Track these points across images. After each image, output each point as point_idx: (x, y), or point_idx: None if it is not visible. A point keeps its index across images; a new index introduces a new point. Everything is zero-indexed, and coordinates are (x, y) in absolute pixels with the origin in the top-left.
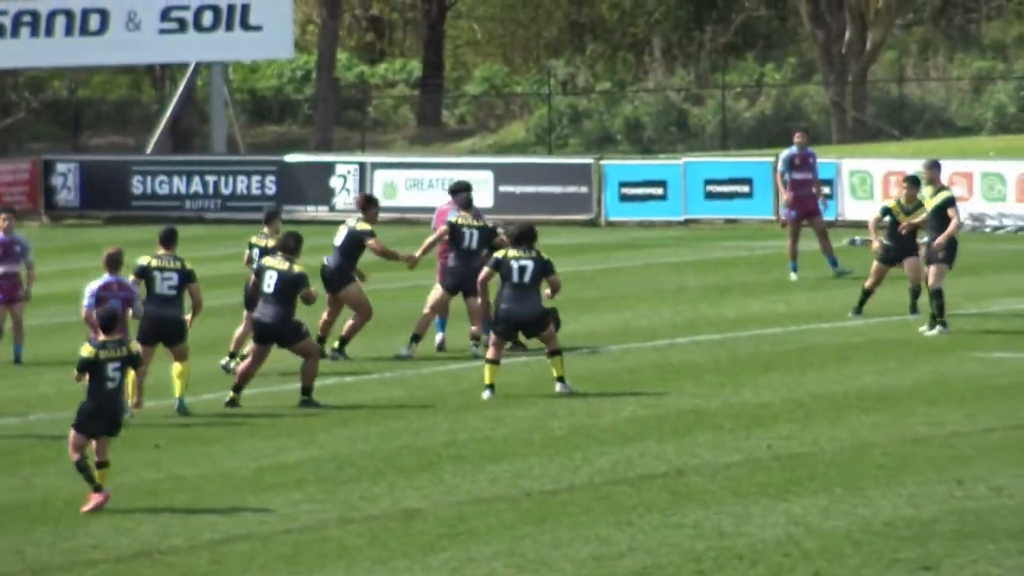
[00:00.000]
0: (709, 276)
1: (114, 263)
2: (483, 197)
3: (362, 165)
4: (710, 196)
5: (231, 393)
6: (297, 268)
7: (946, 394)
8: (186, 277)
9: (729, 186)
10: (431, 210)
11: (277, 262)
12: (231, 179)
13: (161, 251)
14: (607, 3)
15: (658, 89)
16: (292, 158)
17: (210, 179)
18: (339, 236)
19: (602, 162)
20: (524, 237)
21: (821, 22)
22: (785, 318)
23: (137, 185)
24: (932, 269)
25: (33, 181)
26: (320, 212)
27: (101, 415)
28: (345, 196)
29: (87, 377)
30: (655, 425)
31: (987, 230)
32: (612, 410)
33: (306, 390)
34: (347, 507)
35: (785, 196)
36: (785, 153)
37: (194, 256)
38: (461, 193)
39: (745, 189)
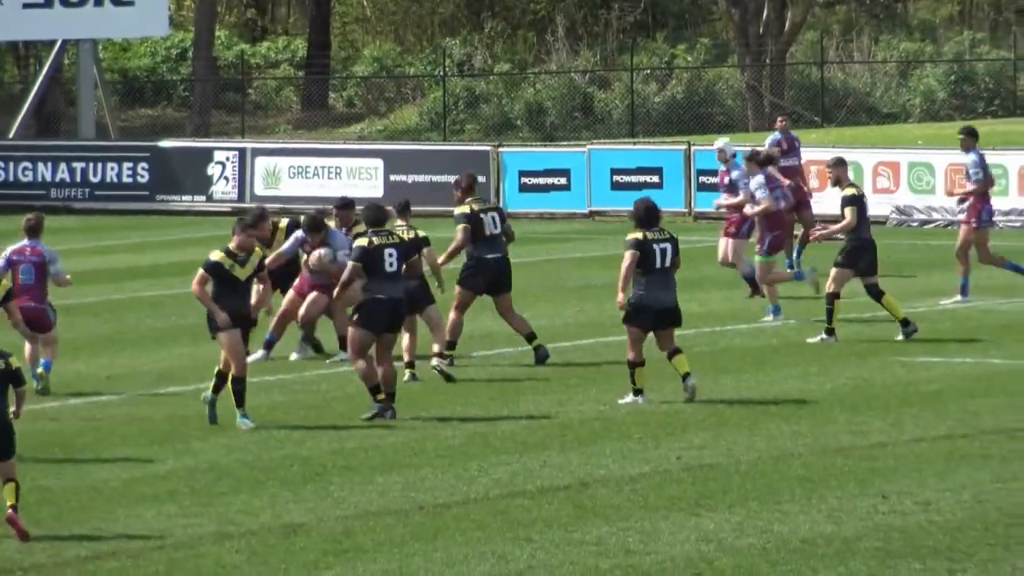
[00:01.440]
0: (616, 272)
1: (32, 230)
2: (373, 186)
3: (242, 151)
4: (617, 187)
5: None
6: (419, 233)
7: (869, 401)
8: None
9: (637, 176)
10: (316, 199)
11: (387, 238)
12: (100, 166)
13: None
14: None
15: (561, 71)
16: (167, 144)
17: (78, 166)
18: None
19: (500, 149)
20: (653, 216)
21: (736, 1)
22: (698, 318)
23: None
24: (831, 272)
25: None
26: (197, 202)
27: None
28: (223, 184)
29: None
30: (557, 434)
31: (914, 224)
32: (510, 417)
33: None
34: (224, 521)
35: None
36: (770, 139)
37: (62, 249)
38: (344, 210)
39: (655, 179)
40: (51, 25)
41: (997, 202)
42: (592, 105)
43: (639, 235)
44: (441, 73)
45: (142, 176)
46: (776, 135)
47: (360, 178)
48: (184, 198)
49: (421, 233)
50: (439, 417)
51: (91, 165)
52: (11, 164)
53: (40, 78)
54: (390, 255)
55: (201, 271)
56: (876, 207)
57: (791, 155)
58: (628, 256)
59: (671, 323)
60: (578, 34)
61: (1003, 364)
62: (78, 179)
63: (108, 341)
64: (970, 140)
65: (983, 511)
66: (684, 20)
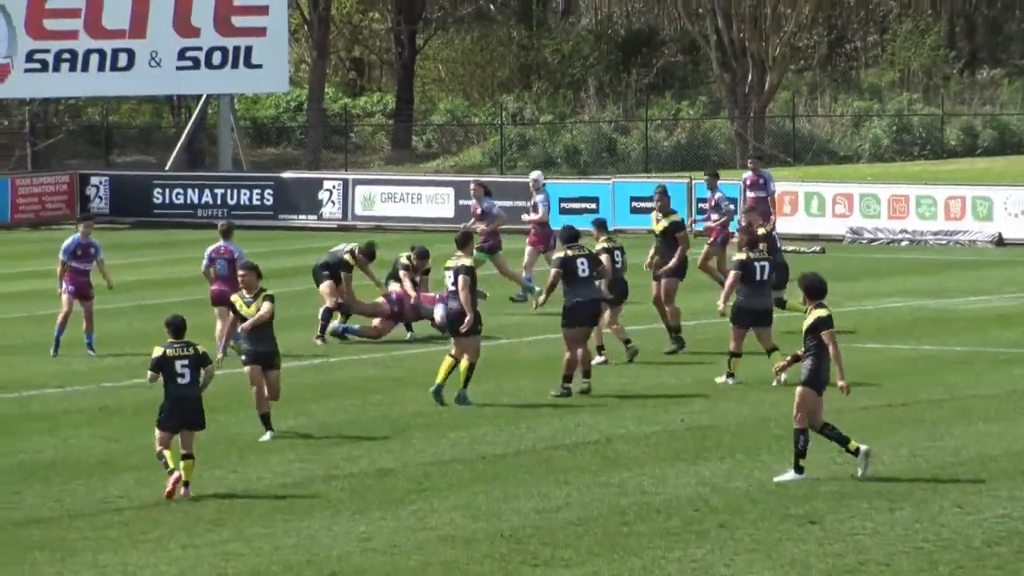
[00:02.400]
0: (635, 278)
1: (225, 233)
2: (446, 209)
3: (345, 181)
4: (635, 211)
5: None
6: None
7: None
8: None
9: (650, 202)
10: (404, 219)
11: (579, 250)
12: (235, 191)
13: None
14: (550, 48)
15: (592, 121)
16: (287, 175)
17: (218, 191)
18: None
19: (545, 181)
20: (757, 238)
21: (728, 67)
22: (701, 313)
23: (158, 196)
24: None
25: (71, 192)
26: (310, 221)
27: (176, 412)
28: (331, 207)
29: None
30: (589, 401)
31: (864, 242)
32: (554, 388)
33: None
34: (331, 466)
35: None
36: (745, 175)
37: (202, 256)
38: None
39: None
40: (198, 83)
41: (927, 224)
42: (615, 147)
43: (743, 256)
44: (499, 122)
45: (268, 200)
46: (748, 172)
47: (436, 203)
48: (300, 217)
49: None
50: (500, 388)
51: (228, 191)
52: (167, 190)
53: (190, 124)
54: (582, 263)
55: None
56: (835, 228)
57: (759, 188)
58: (732, 275)
59: (765, 323)
60: (605, 92)
61: (932, 350)
62: (218, 202)
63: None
64: (713, 180)
65: (916, 464)
66: (687, 82)
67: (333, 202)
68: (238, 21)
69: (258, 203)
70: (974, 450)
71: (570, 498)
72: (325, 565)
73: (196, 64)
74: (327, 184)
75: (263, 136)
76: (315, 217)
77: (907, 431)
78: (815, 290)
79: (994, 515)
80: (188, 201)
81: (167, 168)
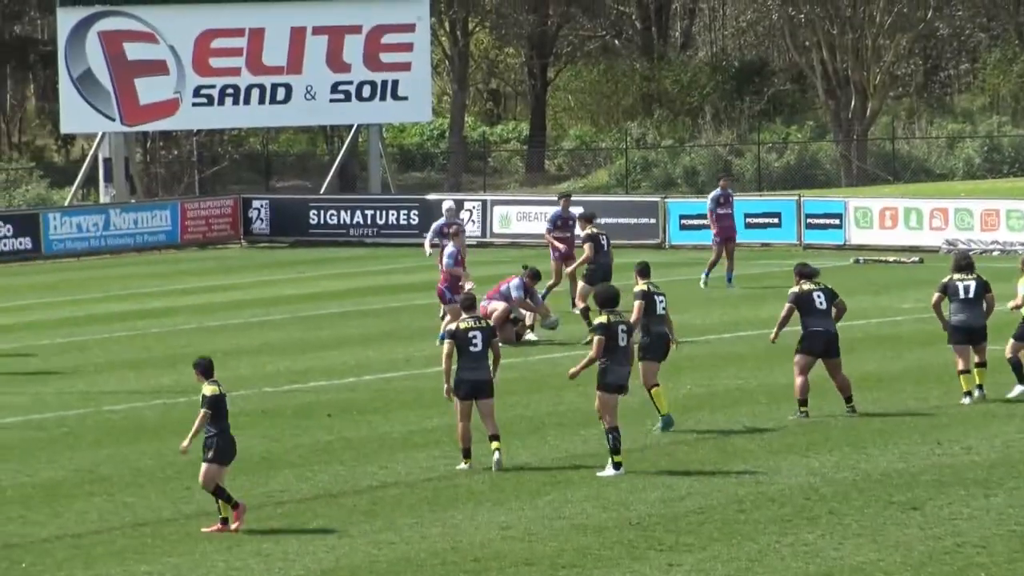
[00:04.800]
0: (748, 287)
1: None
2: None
3: (484, 202)
4: (748, 226)
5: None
6: None
7: (929, 376)
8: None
9: (763, 218)
10: (538, 236)
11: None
12: (384, 212)
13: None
14: (670, 79)
15: (709, 145)
16: (431, 197)
17: (368, 212)
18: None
19: (666, 200)
20: (966, 264)
21: (832, 95)
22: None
23: (313, 217)
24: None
25: (235, 214)
26: None
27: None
28: (471, 226)
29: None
30: (708, 400)
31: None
32: (674, 389)
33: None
34: (473, 461)
35: (714, 227)
36: (713, 194)
37: (357, 271)
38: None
39: (775, 221)
40: (349, 114)
41: (1016, 236)
42: (731, 168)
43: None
44: (624, 146)
45: (414, 220)
46: (718, 191)
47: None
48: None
49: None
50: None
51: (377, 212)
52: (322, 211)
53: (342, 151)
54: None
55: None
56: (932, 240)
57: (727, 205)
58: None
59: (979, 339)
60: (720, 119)
61: None
62: (368, 222)
63: (387, 335)
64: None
65: (1009, 454)
66: (795, 108)
67: (473, 221)
68: (385, 57)
69: (404, 223)
70: None
71: (692, 488)
72: (468, 551)
73: (347, 97)
74: (468, 204)
75: (409, 162)
76: None
77: (1000, 424)
78: (607, 300)
79: None
80: (341, 222)
81: (322, 192)
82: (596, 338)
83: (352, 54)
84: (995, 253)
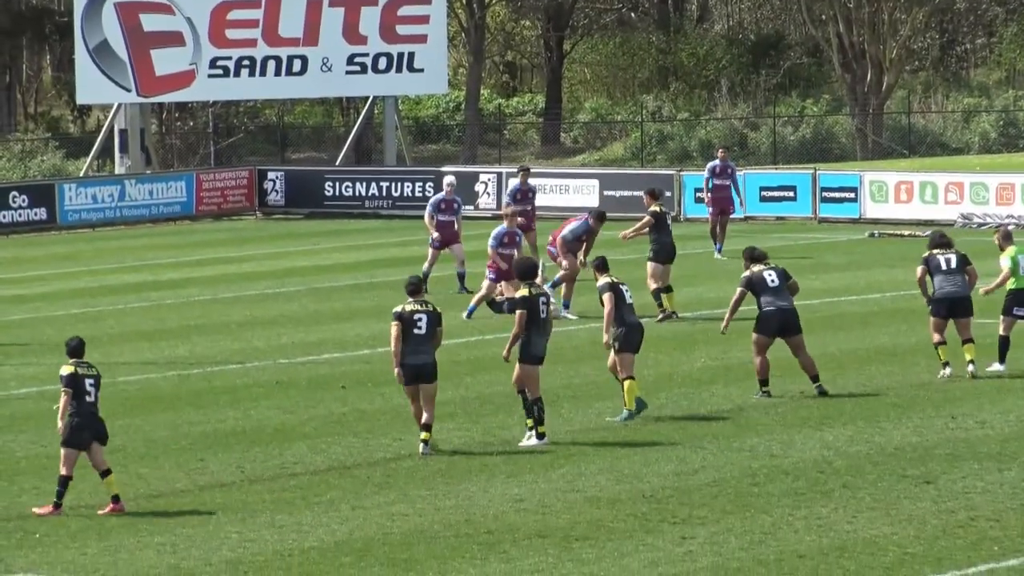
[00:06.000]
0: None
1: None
2: (591, 199)
3: (499, 174)
4: (764, 199)
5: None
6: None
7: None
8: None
9: (778, 191)
10: (553, 208)
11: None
12: (399, 184)
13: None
14: (686, 52)
15: (724, 118)
16: (446, 169)
17: (384, 184)
18: None
19: (682, 173)
20: (944, 242)
21: (848, 68)
22: (821, 291)
23: (328, 188)
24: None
25: (250, 186)
26: (466, 211)
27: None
28: (486, 198)
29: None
30: (722, 373)
31: (974, 226)
32: (688, 362)
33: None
34: (486, 434)
35: (707, 198)
36: (710, 164)
37: (372, 243)
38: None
39: (791, 195)
40: (366, 86)
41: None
42: (746, 142)
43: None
44: (640, 119)
45: (428, 192)
46: (716, 161)
47: (582, 193)
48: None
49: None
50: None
51: (393, 184)
52: (337, 183)
53: (357, 123)
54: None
55: None
56: (947, 213)
57: (723, 176)
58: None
59: (962, 313)
60: (736, 92)
61: None
62: (384, 194)
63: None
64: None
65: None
66: (811, 82)
67: (488, 193)
68: (401, 29)
69: (420, 195)
70: None
71: (705, 462)
72: (482, 524)
73: (363, 69)
74: (483, 177)
75: (424, 134)
76: (471, 207)
77: (1015, 399)
78: (527, 272)
79: None
80: (356, 193)
81: (337, 163)
82: (518, 312)
83: (368, 26)
84: (1011, 227)
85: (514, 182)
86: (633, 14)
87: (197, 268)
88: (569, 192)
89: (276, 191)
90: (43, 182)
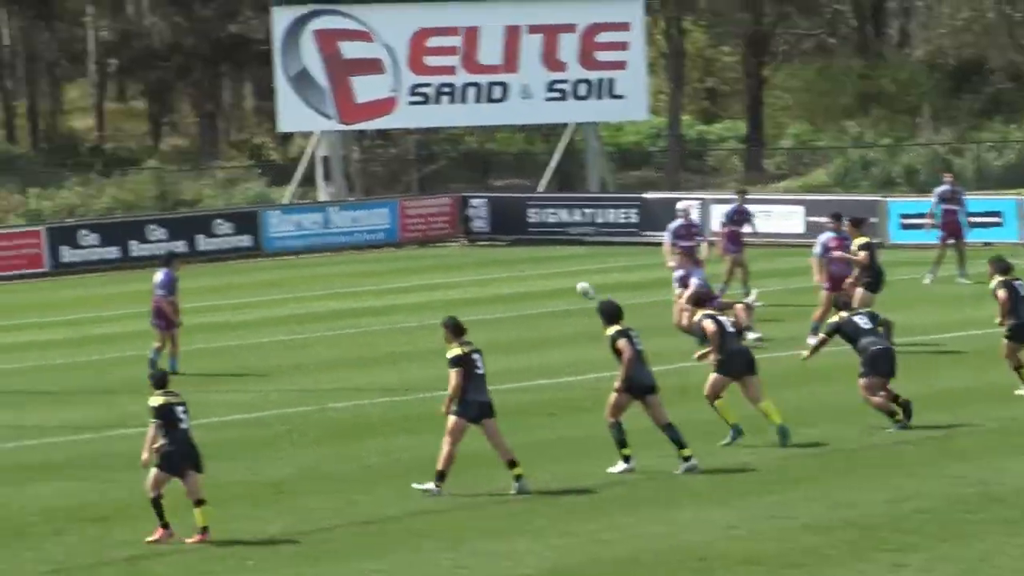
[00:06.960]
0: (973, 286)
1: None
2: (796, 225)
3: (703, 201)
4: (971, 225)
5: None
6: None
7: None
8: None
9: (984, 217)
10: (757, 234)
11: None
12: (603, 211)
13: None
14: (887, 78)
15: (928, 144)
16: (649, 195)
17: (588, 211)
18: None
19: (886, 199)
20: (1007, 267)
21: None
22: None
23: (532, 215)
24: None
25: (453, 213)
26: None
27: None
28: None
29: None
30: (930, 400)
31: None
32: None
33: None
34: (703, 461)
35: (935, 223)
36: (939, 189)
37: (574, 270)
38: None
39: (997, 220)
40: (566, 112)
41: None
42: (951, 167)
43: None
44: (843, 145)
45: (632, 218)
46: (945, 186)
47: (786, 219)
48: (661, 234)
49: None
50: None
51: (597, 210)
52: (541, 210)
53: (559, 149)
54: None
55: None
56: None
57: (953, 202)
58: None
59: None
60: (939, 117)
61: None
62: (588, 220)
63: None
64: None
65: None
66: (1015, 107)
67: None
68: (601, 56)
69: (623, 221)
70: None
71: (921, 489)
72: (691, 551)
73: (563, 95)
74: (682, 204)
75: (626, 160)
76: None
77: None
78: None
79: None
80: (560, 220)
81: (540, 190)
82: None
83: (567, 53)
84: None
85: (731, 206)
86: (832, 39)
87: (403, 295)
88: (772, 218)
89: (480, 218)
90: (247, 209)
